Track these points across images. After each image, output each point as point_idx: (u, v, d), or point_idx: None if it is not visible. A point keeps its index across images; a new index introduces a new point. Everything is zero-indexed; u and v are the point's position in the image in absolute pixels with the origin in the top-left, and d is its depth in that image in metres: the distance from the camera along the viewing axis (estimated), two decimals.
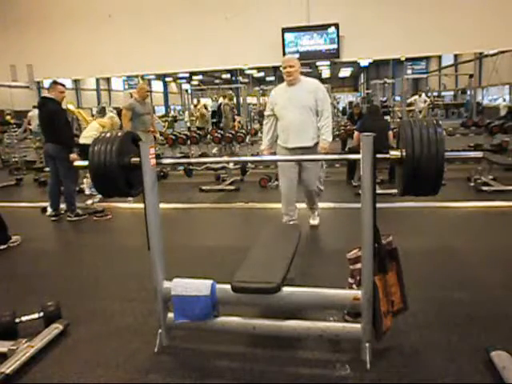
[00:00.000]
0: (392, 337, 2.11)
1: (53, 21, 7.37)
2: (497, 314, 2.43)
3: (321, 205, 4.39)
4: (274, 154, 3.90)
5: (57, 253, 4.13)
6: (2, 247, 3.95)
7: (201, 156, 8.56)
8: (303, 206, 4.26)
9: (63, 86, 4.97)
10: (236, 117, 11.59)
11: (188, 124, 12.39)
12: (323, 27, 6.52)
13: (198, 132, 8.46)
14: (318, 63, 19.46)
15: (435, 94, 21.08)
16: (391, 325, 2.03)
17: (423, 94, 15.74)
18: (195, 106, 13.94)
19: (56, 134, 4.76)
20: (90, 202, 5.43)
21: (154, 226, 2.12)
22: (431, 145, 1.75)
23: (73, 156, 4.74)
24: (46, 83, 5.11)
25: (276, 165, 6.65)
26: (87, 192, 6.08)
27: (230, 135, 7.38)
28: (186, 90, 16.20)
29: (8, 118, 11.07)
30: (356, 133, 5.96)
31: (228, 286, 1.99)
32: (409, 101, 14.35)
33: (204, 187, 6.36)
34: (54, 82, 4.92)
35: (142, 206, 2.10)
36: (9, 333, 2.30)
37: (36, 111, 7.10)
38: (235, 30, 6.75)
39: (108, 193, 2.21)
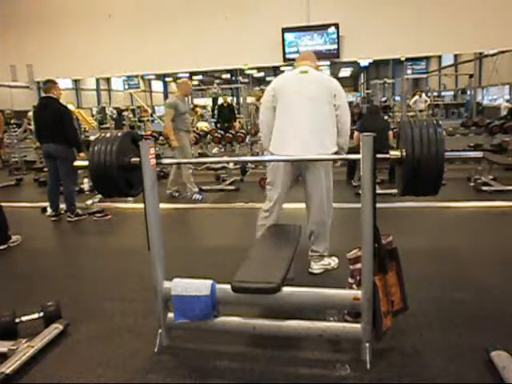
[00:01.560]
0: (392, 337, 2.11)
1: (53, 21, 7.38)
2: (497, 313, 2.43)
3: None
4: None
5: (57, 253, 4.13)
6: (2, 247, 3.95)
7: (201, 156, 8.57)
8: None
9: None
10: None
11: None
12: (323, 27, 6.53)
13: (198, 132, 8.49)
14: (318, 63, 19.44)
15: (435, 94, 21.10)
16: (391, 325, 2.03)
17: (423, 94, 15.74)
18: (195, 106, 13.95)
19: (64, 134, 4.67)
20: (89, 202, 5.42)
21: (153, 226, 2.12)
22: (431, 145, 1.75)
23: (83, 155, 4.71)
24: None
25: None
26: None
27: (230, 135, 7.39)
28: None
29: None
30: (356, 133, 5.95)
31: (228, 286, 1.99)
32: (410, 102, 14.34)
33: (204, 187, 6.36)
34: (52, 82, 4.88)
35: (142, 206, 2.09)
36: (9, 333, 2.29)
37: None
38: (235, 30, 6.76)
39: (108, 193, 2.20)
